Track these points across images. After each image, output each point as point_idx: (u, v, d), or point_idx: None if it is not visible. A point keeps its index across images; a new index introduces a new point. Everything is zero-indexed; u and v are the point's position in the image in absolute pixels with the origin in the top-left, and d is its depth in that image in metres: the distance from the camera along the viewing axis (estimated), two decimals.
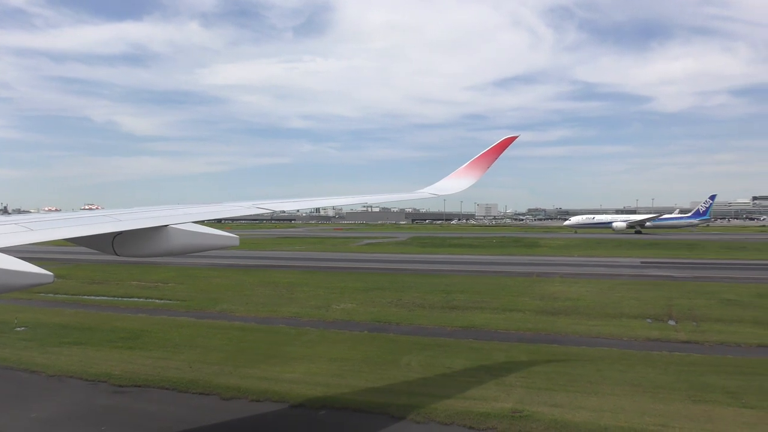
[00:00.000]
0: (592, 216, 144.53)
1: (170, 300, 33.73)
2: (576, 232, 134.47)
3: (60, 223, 8.46)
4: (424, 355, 20.30)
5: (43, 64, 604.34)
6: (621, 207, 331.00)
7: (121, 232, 8.89)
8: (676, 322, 26.54)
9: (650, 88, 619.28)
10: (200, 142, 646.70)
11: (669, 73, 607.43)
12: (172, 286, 39.49)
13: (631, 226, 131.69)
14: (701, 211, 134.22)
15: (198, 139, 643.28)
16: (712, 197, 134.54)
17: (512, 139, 14.06)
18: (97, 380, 17.39)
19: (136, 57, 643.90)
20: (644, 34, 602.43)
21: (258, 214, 11.06)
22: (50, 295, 34.11)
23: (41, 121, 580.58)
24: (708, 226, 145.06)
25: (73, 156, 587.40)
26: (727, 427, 13.37)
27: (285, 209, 11.96)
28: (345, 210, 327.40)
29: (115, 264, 52.70)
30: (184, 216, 9.77)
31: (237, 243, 10.13)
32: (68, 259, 56.28)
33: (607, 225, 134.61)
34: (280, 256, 67.65)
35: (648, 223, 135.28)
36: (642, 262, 57.82)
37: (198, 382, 16.90)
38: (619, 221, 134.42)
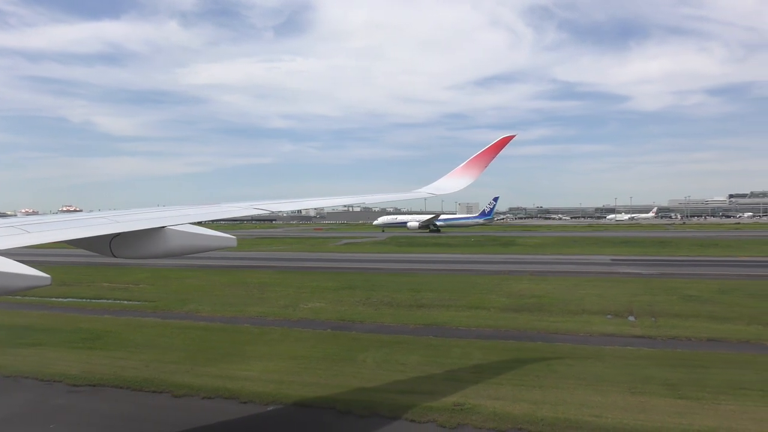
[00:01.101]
0: (395, 216, 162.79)
1: (139, 301, 33.74)
2: (384, 231, 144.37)
3: (57, 225, 8.46)
4: (381, 352, 20.66)
5: (19, 64, 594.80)
6: (600, 205, 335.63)
7: (118, 234, 8.89)
8: (636, 318, 27.19)
9: (628, 87, 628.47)
10: (180, 143, 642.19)
11: (646, 73, 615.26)
12: (142, 288, 39.48)
13: (424, 225, 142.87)
14: (486, 211, 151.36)
15: (177, 139, 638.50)
16: (495, 199, 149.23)
17: (509, 138, 14.26)
18: (53, 380, 17.51)
19: (113, 56, 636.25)
20: (622, 33, 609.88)
21: (255, 215, 11.04)
22: (17, 297, 33.88)
23: (16, 121, 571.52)
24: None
25: (50, 157, 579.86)
26: (658, 416, 13.91)
27: (283, 210, 11.97)
28: (326, 210, 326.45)
29: (88, 266, 52.52)
30: (181, 217, 9.75)
31: (234, 244, 10.00)
32: (49, 261, 55.68)
33: (405, 224, 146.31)
34: (256, 256, 67.61)
35: (439, 222, 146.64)
36: (612, 260, 58.84)
37: (153, 381, 17.11)
38: (413, 221, 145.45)
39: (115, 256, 9.24)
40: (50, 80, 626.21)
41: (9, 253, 6.55)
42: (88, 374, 17.92)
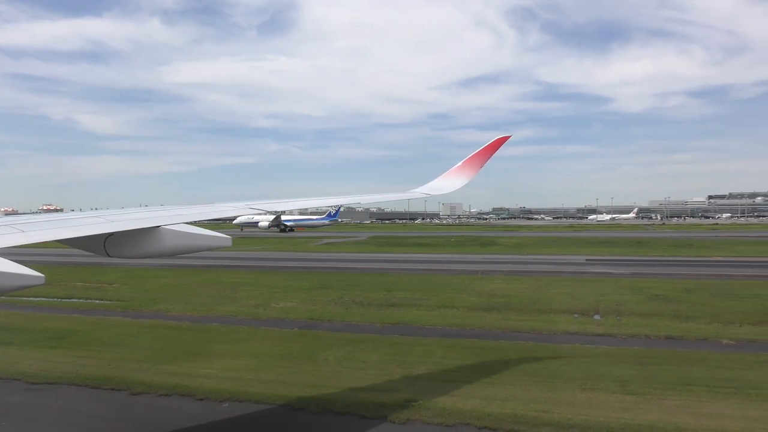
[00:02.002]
0: (251, 216, 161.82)
1: (110, 300, 33.66)
2: (242, 230, 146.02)
3: (51, 224, 8.49)
4: (344, 350, 20.88)
5: None
6: (582, 206, 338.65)
7: (112, 234, 8.87)
8: (601, 317, 27.68)
9: (611, 89, 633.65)
10: (163, 141, 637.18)
11: (629, 75, 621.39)
12: (115, 287, 39.33)
13: (274, 225, 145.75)
14: (332, 213, 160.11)
15: (161, 138, 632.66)
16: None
17: (504, 139, 14.40)
18: (11, 378, 17.55)
19: (96, 54, 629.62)
20: (605, 35, 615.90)
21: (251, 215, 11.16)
22: None
23: None
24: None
25: (31, 155, 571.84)
26: (604, 411, 14.27)
27: (278, 209, 12.05)
28: (310, 210, 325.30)
29: (63, 265, 52.07)
30: (176, 217, 9.79)
31: (230, 243, 9.97)
32: (29, 261, 55.16)
33: (257, 224, 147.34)
34: (235, 256, 67.43)
35: (290, 222, 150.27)
36: (587, 260, 59.58)
37: (112, 379, 17.20)
38: (263, 221, 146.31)
39: (109, 256, 9.24)
40: (32, 77, 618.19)
41: (4, 253, 6.64)
42: (48, 372, 17.97)
